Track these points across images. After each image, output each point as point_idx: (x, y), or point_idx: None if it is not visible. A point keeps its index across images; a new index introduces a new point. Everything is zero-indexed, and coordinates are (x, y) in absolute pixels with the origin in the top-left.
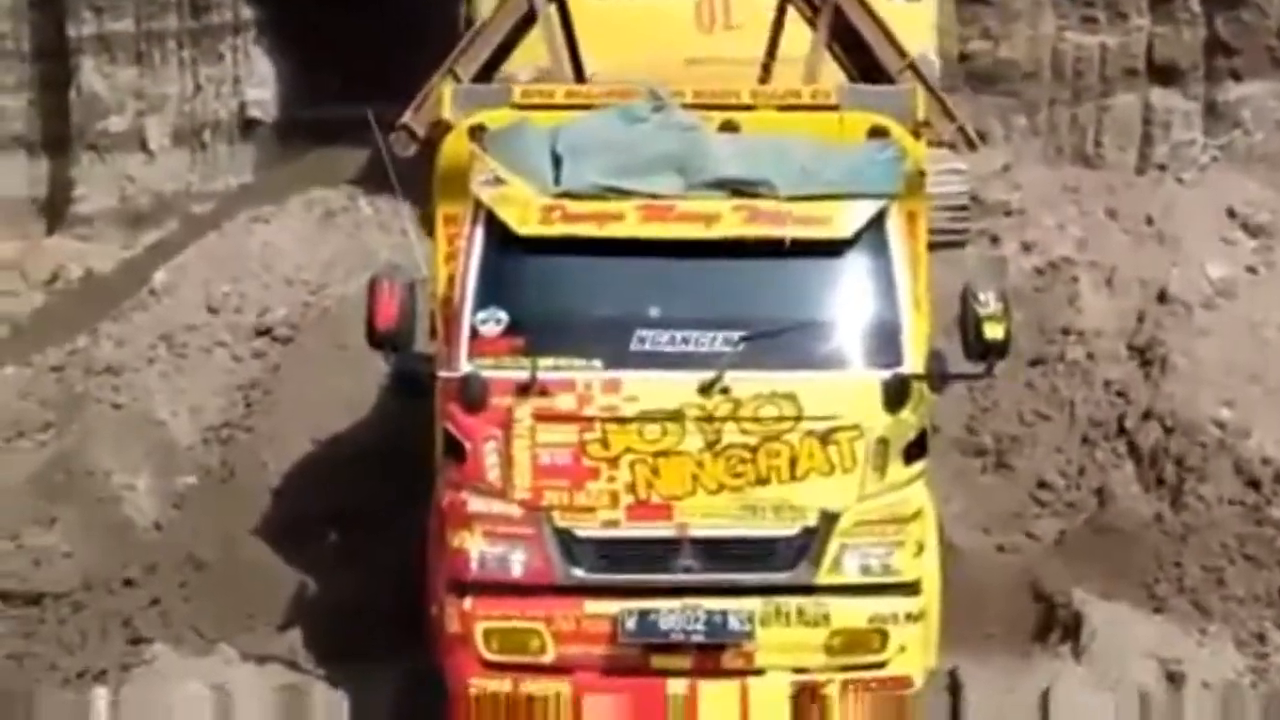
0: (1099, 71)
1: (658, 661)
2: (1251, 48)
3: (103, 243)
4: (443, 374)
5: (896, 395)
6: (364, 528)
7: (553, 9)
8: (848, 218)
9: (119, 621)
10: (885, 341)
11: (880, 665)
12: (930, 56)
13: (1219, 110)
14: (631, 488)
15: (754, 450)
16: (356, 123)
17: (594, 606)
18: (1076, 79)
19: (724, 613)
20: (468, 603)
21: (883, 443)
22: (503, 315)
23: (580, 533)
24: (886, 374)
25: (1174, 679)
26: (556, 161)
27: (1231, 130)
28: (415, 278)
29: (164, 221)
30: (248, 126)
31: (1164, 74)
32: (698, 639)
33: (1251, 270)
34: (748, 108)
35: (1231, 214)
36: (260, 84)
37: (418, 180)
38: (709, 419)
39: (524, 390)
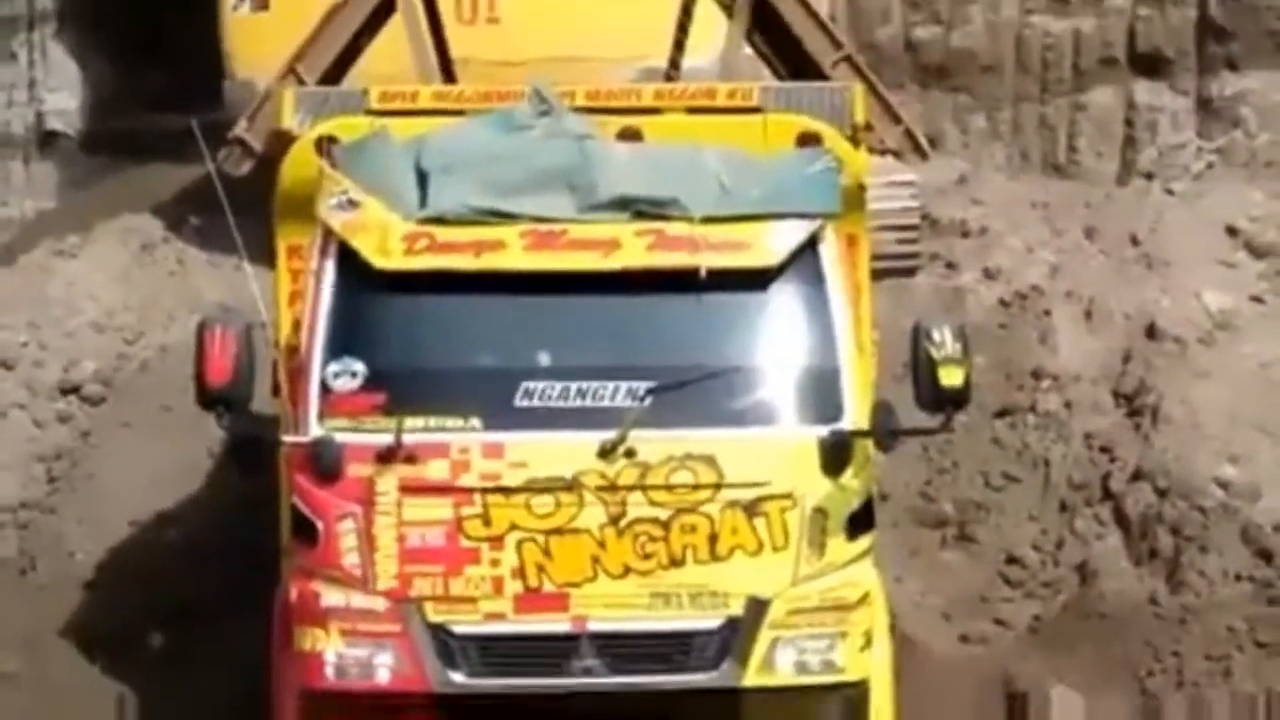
0: (1072, 62)
1: None
2: (1251, 32)
3: None
4: (288, 439)
5: (836, 456)
6: (195, 629)
7: None
8: (774, 243)
9: None
10: (822, 392)
11: None
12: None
13: (1214, 107)
14: (519, 573)
15: (666, 525)
16: (179, 135)
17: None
18: (1045, 71)
19: None
20: (322, 718)
21: (820, 513)
22: (360, 367)
23: (458, 629)
24: (824, 431)
25: None
26: (422, 179)
27: (1230, 130)
28: (252, 322)
29: None
30: (47, 140)
31: (1149, 64)
32: None
33: (1257, 300)
34: (652, 111)
35: (1232, 231)
36: (62, 88)
37: (254, 204)
38: (611, 488)
39: (387, 457)
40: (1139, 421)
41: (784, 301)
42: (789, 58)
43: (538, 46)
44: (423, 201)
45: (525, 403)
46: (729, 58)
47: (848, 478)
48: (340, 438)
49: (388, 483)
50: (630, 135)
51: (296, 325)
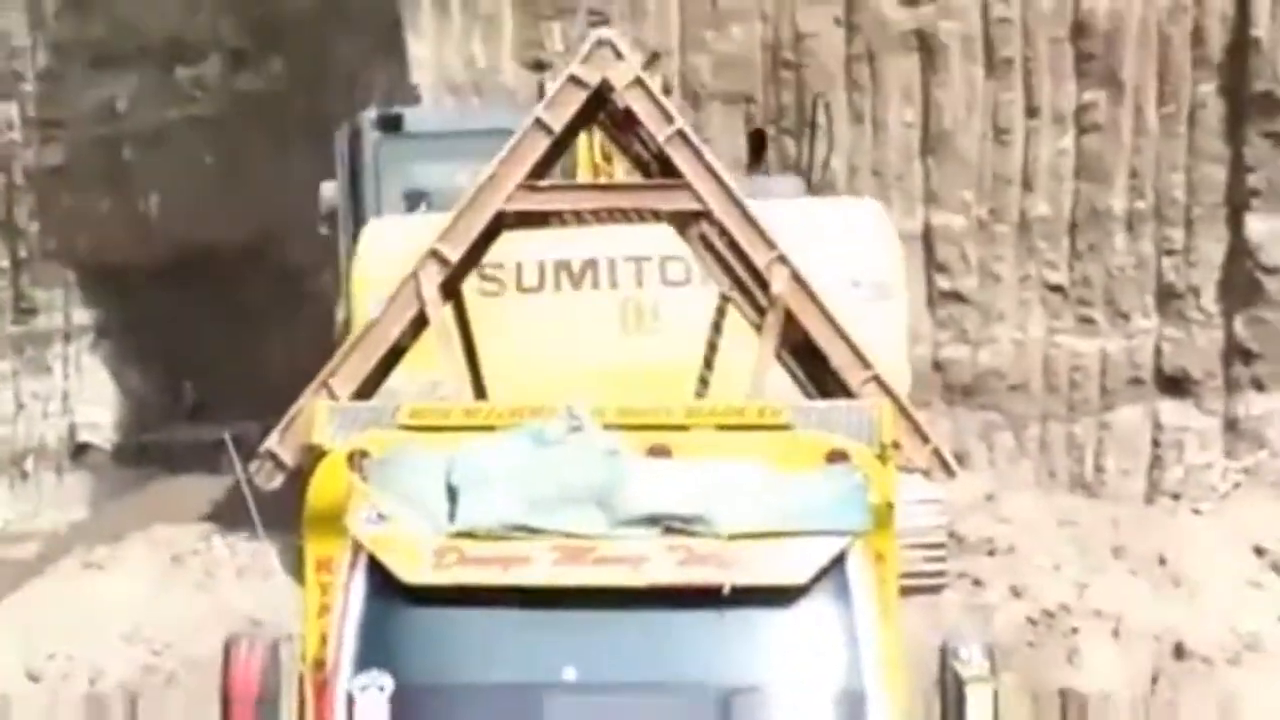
0: (1099, 382)
1: None
2: (1276, 352)
3: None
4: None
5: None
6: None
7: (448, 310)
8: (802, 560)
9: None
10: (848, 713)
11: None
12: (901, 367)
13: (1240, 427)
14: None
15: None
16: (211, 447)
17: None
18: (1072, 391)
19: None
20: None
21: None
22: (387, 681)
23: None
24: None
25: None
26: (452, 495)
27: (1256, 451)
28: (280, 636)
29: None
30: (79, 452)
31: (1175, 385)
32: None
33: None
34: (681, 428)
35: (1259, 552)
36: (95, 401)
37: (285, 517)
38: None
39: None
40: None
41: (810, 619)
42: (817, 375)
43: (697, 354)
44: (453, 516)
45: (553, 719)
46: (758, 374)
47: None
48: None
49: None
50: (660, 452)
51: (324, 639)
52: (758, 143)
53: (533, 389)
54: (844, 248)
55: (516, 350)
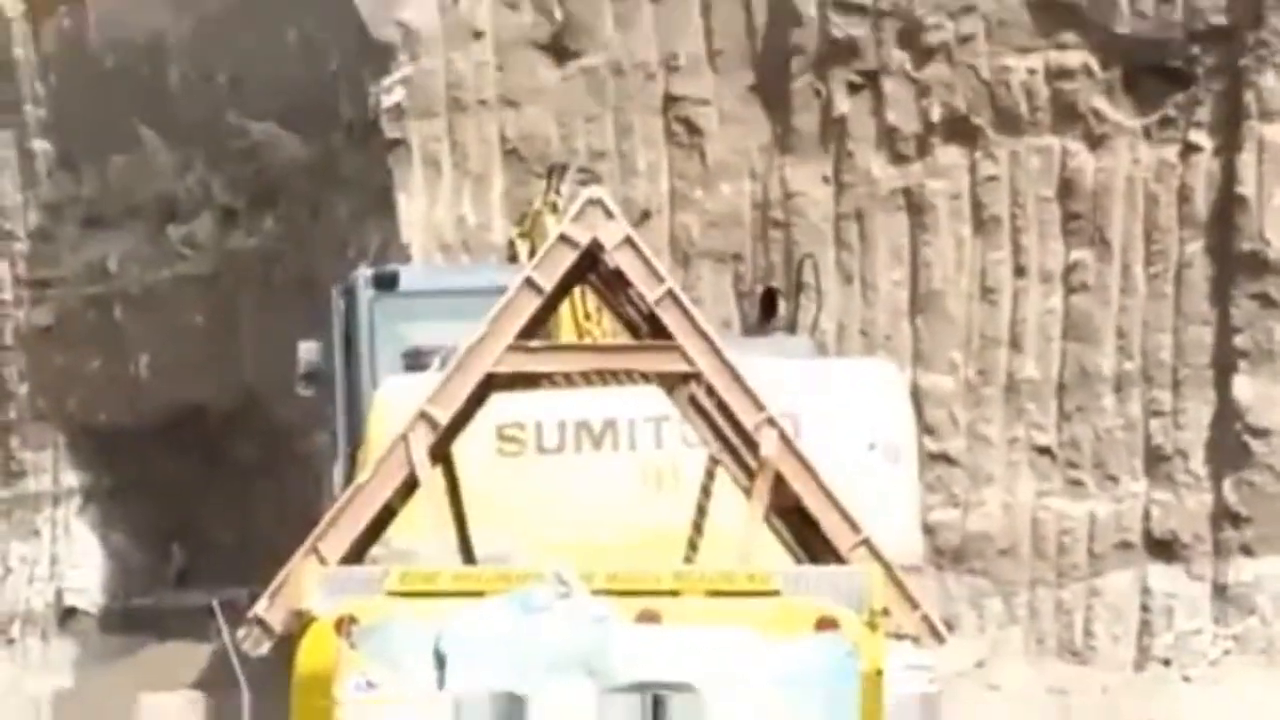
0: (1087, 547)
1: None
2: (1267, 517)
3: None
4: None
5: None
6: None
7: (438, 473)
8: None
9: None
10: None
11: None
12: (915, 530)
13: (1230, 593)
14: None
15: None
16: (199, 612)
17: None
18: (1061, 556)
19: None
20: None
21: None
22: None
23: None
24: None
25: None
26: (441, 662)
27: (1246, 618)
28: None
29: None
30: (67, 617)
31: (1164, 549)
32: None
33: None
34: (671, 594)
35: None
36: (83, 565)
37: (273, 684)
38: None
39: None
40: None
41: None
42: (807, 539)
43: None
44: (441, 684)
45: None
46: (747, 539)
47: None
48: None
49: None
50: (649, 618)
51: None
52: (769, 302)
53: (555, 551)
54: (859, 409)
55: (539, 512)
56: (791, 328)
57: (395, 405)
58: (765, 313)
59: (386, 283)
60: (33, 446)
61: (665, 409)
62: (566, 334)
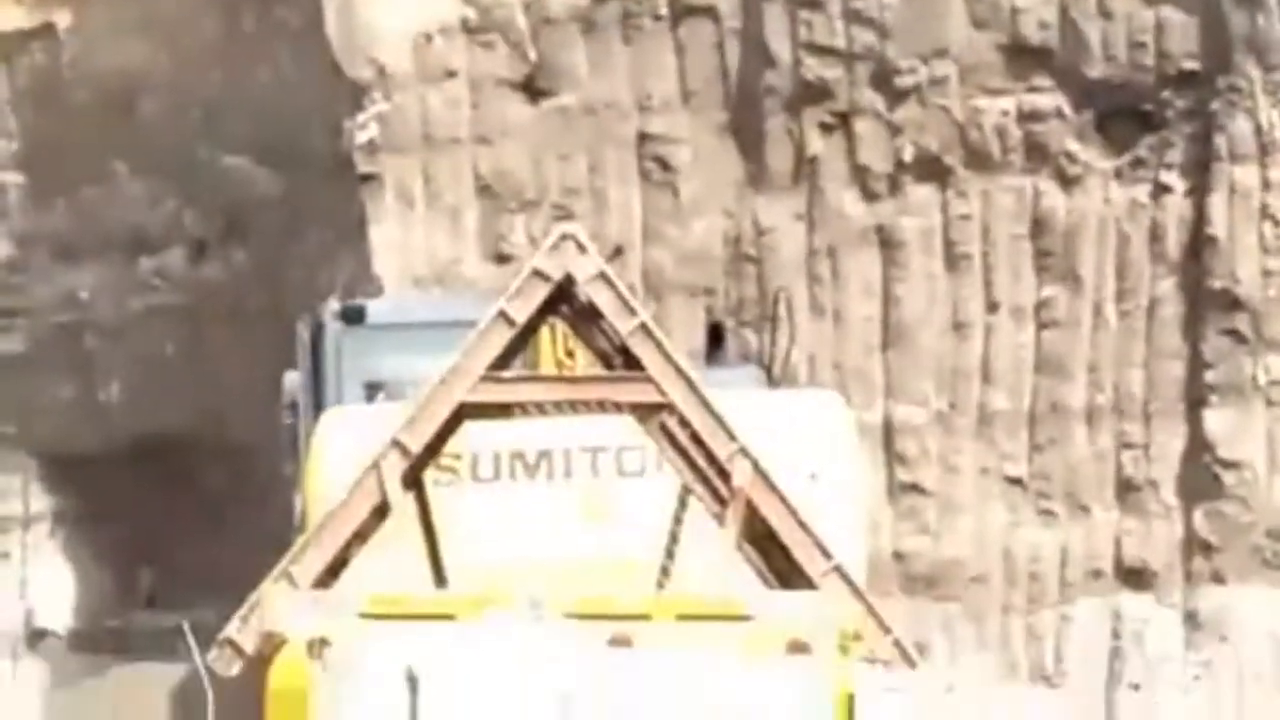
0: (1058, 574)
1: None
2: (1236, 545)
3: None
4: None
5: None
6: None
7: (410, 499)
8: None
9: None
10: None
11: None
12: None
13: (1200, 620)
14: None
15: None
16: (168, 634)
17: None
18: (1032, 583)
19: None
20: None
21: None
22: None
23: None
24: None
25: None
26: (413, 685)
27: (1217, 644)
28: None
29: None
30: (36, 638)
31: (1135, 577)
32: None
33: None
34: (643, 618)
35: None
36: (53, 587)
37: (244, 707)
38: None
39: None
40: None
41: None
42: (778, 566)
43: (653, 546)
44: (413, 706)
45: None
46: (720, 566)
47: None
48: None
49: None
50: (622, 642)
51: None
52: (715, 335)
53: (488, 580)
54: (800, 440)
55: (472, 541)
56: (764, 362)
57: (334, 435)
58: (711, 345)
59: (354, 316)
60: (3, 471)
61: (601, 439)
62: (546, 370)
